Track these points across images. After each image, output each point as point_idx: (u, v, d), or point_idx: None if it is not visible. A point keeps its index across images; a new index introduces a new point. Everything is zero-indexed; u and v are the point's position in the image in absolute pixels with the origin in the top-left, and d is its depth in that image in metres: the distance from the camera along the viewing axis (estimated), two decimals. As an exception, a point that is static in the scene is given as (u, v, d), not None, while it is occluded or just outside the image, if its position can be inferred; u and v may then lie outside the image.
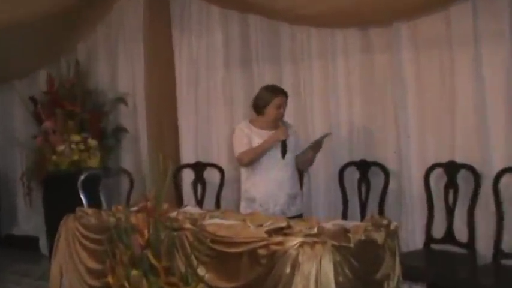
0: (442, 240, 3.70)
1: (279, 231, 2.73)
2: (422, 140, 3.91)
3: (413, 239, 3.89)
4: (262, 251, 2.63)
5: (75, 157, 5.19)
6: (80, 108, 5.38)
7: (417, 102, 3.92)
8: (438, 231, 3.74)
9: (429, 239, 3.75)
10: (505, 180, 3.49)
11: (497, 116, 3.58)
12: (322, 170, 4.34)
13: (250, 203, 3.64)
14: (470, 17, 3.62)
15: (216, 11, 4.84)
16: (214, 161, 4.81)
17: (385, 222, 2.88)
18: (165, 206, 3.24)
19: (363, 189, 4.09)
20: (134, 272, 2.89)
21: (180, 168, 4.85)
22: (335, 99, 4.28)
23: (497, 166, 3.53)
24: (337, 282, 2.46)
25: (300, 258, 2.49)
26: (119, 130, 5.53)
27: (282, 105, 3.64)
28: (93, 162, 5.23)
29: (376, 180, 4.05)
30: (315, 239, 2.55)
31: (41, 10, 4.73)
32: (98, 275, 3.28)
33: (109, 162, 5.42)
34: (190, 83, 5.04)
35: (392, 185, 4.00)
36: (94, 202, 4.18)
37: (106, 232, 3.20)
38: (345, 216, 4.08)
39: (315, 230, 2.67)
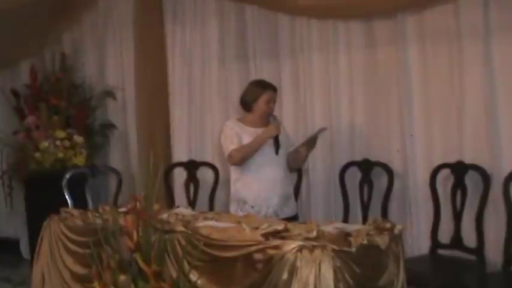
0: (449, 246, 3.71)
1: (276, 234, 2.73)
2: (429, 138, 3.92)
3: (418, 243, 3.90)
4: (258, 256, 2.63)
5: (60, 155, 5.18)
6: (65, 102, 5.38)
7: (423, 98, 3.92)
8: (445, 235, 3.74)
9: (435, 244, 3.76)
10: (516, 182, 3.50)
11: (508, 114, 3.59)
12: (322, 170, 4.35)
13: (241, 204, 3.66)
14: (481, 9, 3.62)
15: (212, 1, 4.84)
16: (208, 160, 4.81)
17: (388, 225, 2.88)
18: (156, 207, 3.23)
19: (365, 190, 4.09)
20: (122, 277, 2.88)
21: (171, 166, 4.86)
22: (336, 95, 4.28)
23: (508, 167, 3.54)
24: (337, 289, 2.46)
25: (298, 263, 2.49)
26: (107, 126, 5.53)
27: (272, 101, 3.68)
28: (79, 160, 5.22)
29: (379, 181, 4.06)
30: (314, 243, 2.54)
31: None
32: (83, 280, 3.27)
33: (96, 160, 5.42)
34: (183, 77, 5.05)
35: (396, 186, 4.01)
36: (80, 202, 4.18)
37: (92, 234, 3.19)
38: (345, 219, 4.08)
39: (314, 233, 2.67)
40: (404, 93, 3.99)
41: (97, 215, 3.43)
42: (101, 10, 5.56)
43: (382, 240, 2.76)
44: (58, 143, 5.21)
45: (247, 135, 3.66)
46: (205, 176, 4.74)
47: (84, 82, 5.58)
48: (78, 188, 4.37)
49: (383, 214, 3.91)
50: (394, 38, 4.02)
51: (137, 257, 2.84)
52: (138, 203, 2.92)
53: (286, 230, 2.79)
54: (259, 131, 3.65)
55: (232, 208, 3.73)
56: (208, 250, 2.79)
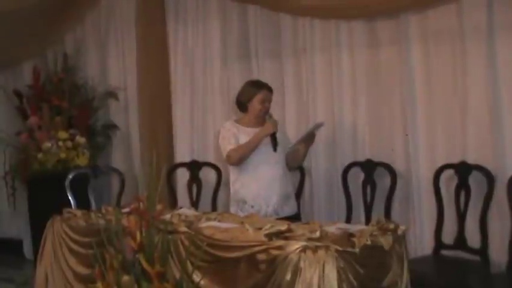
0: (453, 246, 3.71)
1: (279, 234, 2.73)
2: (432, 139, 3.91)
3: (422, 244, 3.90)
4: (261, 256, 2.62)
5: (63, 155, 5.18)
6: (67, 103, 5.37)
7: (426, 98, 3.92)
8: (448, 236, 3.74)
9: (439, 244, 3.76)
10: (520, 182, 3.49)
11: (512, 114, 3.59)
12: (325, 170, 4.35)
13: (241, 204, 3.67)
14: (485, 8, 3.62)
15: (214, 1, 4.85)
16: (211, 160, 4.81)
17: (391, 226, 2.87)
18: (159, 207, 3.23)
19: (368, 191, 4.09)
20: (125, 278, 2.88)
21: (174, 167, 4.86)
22: (339, 95, 4.28)
23: (512, 167, 3.54)
24: (340, 290, 2.46)
25: (302, 263, 2.48)
26: (109, 127, 5.53)
27: (267, 100, 3.69)
28: (82, 160, 5.22)
29: (382, 181, 4.05)
30: (318, 244, 2.54)
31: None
32: (86, 281, 3.27)
33: (98, 161, 5.42)
34: (186, 77, 5.05)
35: (399, 186, 4.01)
36: (83, 203, 4.18)
37: (95, 235, 3.19)
38: (349, 219, 4.08)
39: (318, 234, 2.67)
40: (407, 94, 3.99)
41: (100, 215, 3.44)
42: (103, 10, 5.56)
43: (385, 241, 2.76)
44: (60, 143, 5.20)
45: (245, 135, 3.67)
46: (208, 176, 4.75)
47: (86, 82, 5.57)
48: (80, 189, 4.37)
49: (386, 215, 3.90)
50: (397, 38, 4.02)
51: (140, 257, 2.84)
52: (141, 203, 2.92)
53: (289, 230, 2.78)
54: (256, 130, 3.66)
55: (233, 209, 3.73)
56: (212, 251, 2.79)
